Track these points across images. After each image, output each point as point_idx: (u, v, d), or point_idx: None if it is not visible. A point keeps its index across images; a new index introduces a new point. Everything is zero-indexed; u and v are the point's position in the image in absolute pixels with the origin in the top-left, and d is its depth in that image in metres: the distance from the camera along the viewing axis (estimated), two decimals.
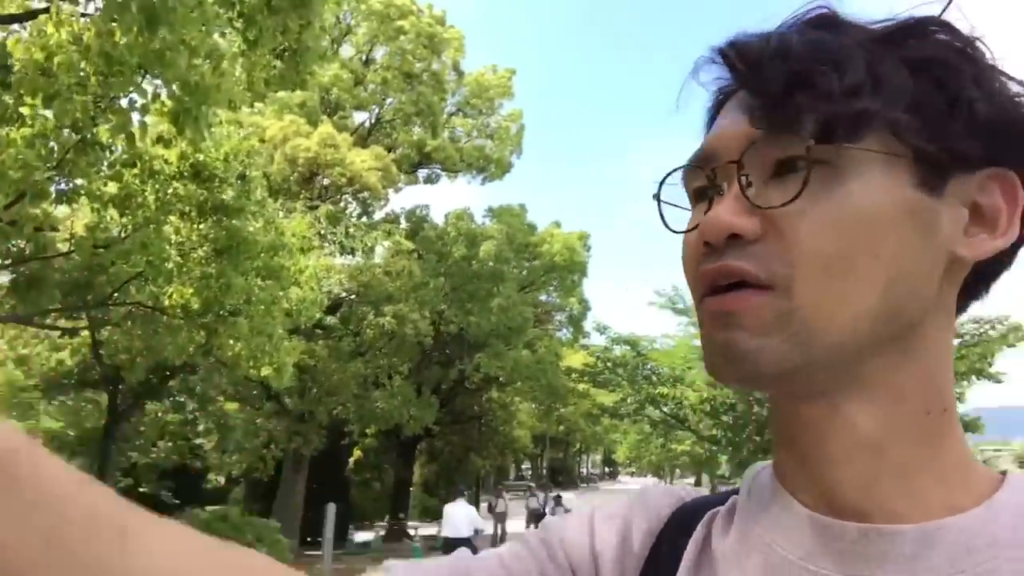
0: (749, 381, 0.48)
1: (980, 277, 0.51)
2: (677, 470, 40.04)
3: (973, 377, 12.80)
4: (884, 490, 0.47)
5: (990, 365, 12.53)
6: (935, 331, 0.48)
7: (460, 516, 12.44)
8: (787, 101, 0.46)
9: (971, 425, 12.89)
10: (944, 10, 0.53)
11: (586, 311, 21.91)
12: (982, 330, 12.63)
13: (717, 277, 0.47)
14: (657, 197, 0.53)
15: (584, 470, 75.42)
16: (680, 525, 0.57)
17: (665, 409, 15.15)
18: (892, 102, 0.46)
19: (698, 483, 29.47)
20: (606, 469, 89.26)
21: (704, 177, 0.50)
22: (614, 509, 0.60)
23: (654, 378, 14.34)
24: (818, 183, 0.45)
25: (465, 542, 12.69)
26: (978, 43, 0.49)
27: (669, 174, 0.53)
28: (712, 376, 0.49)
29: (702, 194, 0.51)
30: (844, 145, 0.45)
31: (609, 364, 15.64)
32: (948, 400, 0.49)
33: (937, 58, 0.48)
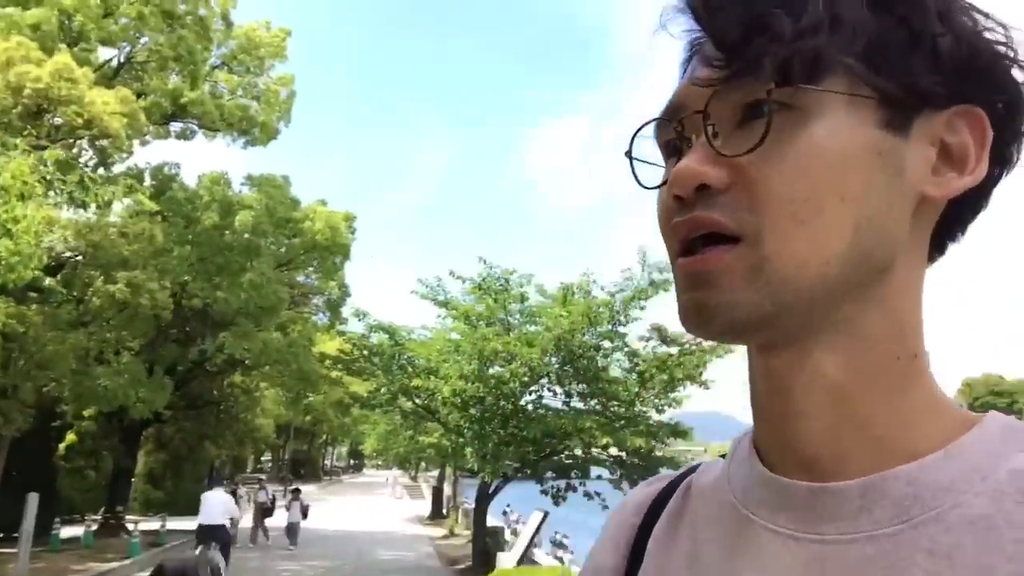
0: (725, 334, 0.47)
1: (955, 217, 0.51)
2: (423, 463, 40.57)
3: (687, 383, 14.46)
4: (845, 443, 0.47)
5: (702, 373, 14.23)
6: (905, 273, 0.48)
7: (216, 504, 12.38)
8: (745, 46, 0.45)
9: (681, 433, 14.48)
10: None
11: (346, 296, 21.24)
12: (696, 340, 14.31)
13: (688, 230, 0.47)
14: (629, 154, 0.52)
15: (328, 462, 74.00)
16: (662, 503, 0.60)
17: (418, 400, 15.24)
18: (852, 41, 0.45)
19: (442, 476, 30.11)
20: (352, 462, 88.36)
21: (673, 130, 0.50)
22: (608, 522, 0.64)
23: (410, 369, 14.37)
24: (782, 128, 0.45)
25: (220, 529, 12.36)
26: None
27: (640, 128, 0.52)
28: (688, 332, 0.49)
29: (672, 148, 0.51)
30: (803, 87, 0.44)
31: (365, 352, 15.41)
32: (918, 345, 0.49)
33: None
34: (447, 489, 30.26)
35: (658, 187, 0.51)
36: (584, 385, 14.44)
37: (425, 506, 32.77)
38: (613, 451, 15.16)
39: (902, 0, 0.47)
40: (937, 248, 0.52)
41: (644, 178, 0.52)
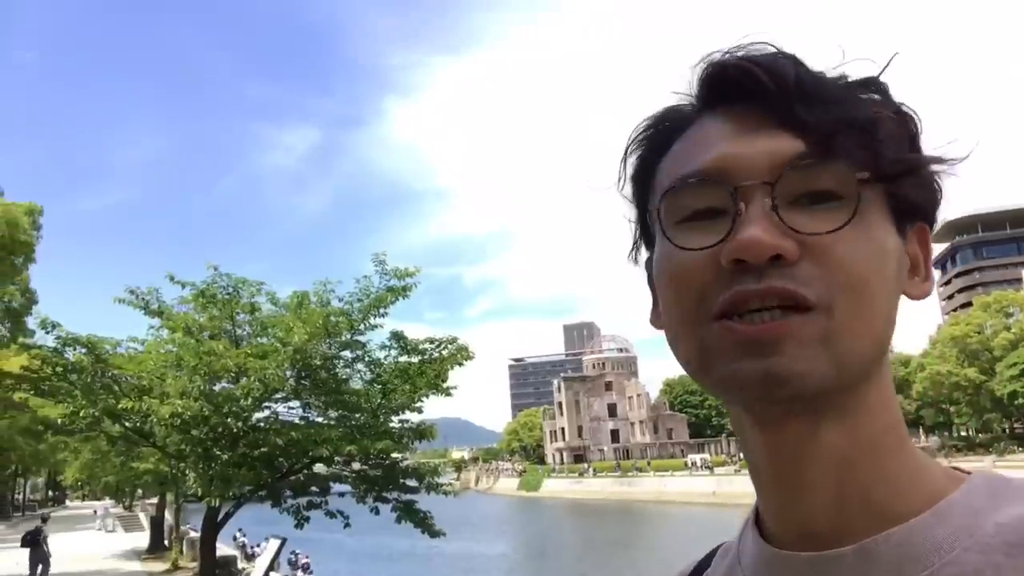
0: (784, 403, 0.49)
1: None
2: (139, 490, 36.26)
3: (430, 392, 14.36)
4: (846, 512, 0.50)
5: (444, 381, 14.24)
6: (888, 359, 0.54)
7: None
8: (827, 141, 0.49)
9: (426, 433, 14.35)
10: (886, 67, 0.55)
11: (32, 303, 18.05)
12: (438, 349, 14.31)
13: (760, 299, 0.48)
14: (658, 211, 0.53)
15: (21, 496, 64.09)
16: (701, 570, 0.65)
17: (128, 424, 13.35)
18: (896, 154, 0.52)
19: (161, 503, 27.11)
20: (51, 493, 77.51)
21: (717, 195, 0.51)
22: None
23: (116, 388, 12.50)
24: (842, 215, 0.49)
25: None
26: (906, 111, 0.54)
27: (673, 187, 0.53)
28: (737, 398, 0.51)
29: (706, 212, 0.52)
30: (874, 187, 0.50)
31: (59, 369, 13.11)
32: (899, 415, 0.53)
33: (911, 116, 0.54)
34: (168, 518, 27.35)
35: (700, 249, 0.50)
36: (324, 398, 13.70)
37: (144, 538, 29.24)
38: (356, 466, 14.60)
39: (910, 123, 0.54)
40: None
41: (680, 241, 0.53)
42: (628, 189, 0.62)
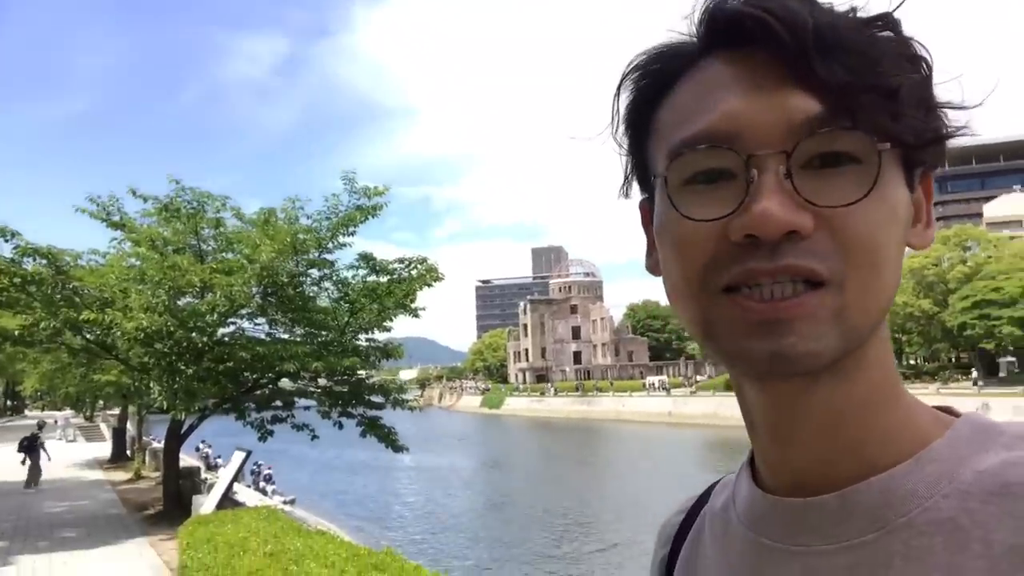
0: (799, 376, 0.49)
1: None
2: (100, 401, 36.22)
3: (398, 311, 14.40)
4: (834, 463, 0.51)
5: (412, 301, 14.26)
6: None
7: None
8: (858, 101, 0.46)
9: (393, 352, 14.48)
10: (896, 8, 0.50)
11: None
12: (407, 269, 14.28)
13: (774, 276, 0.47)
14: (664, 178, 0.51)
15: None
16: (686, 529, 0.67)
17: (90, 336, 13.21)
18: (915, 110, 0.48)
19: (123, 414, 27.17)
20: (9, 403, 77.04)
21: (727, 158, 0.48)
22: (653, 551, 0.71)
23: (78, 300, 12.30)
24: (859, 181, 0.47)
25: None
26: (920, 52, 0.50)
27: (680, 153, 0.50)
28: (752, 372, 0.51)
29: (718, 174, 0.49)
30: (892, 148, 0.47)
31: (17, 280, 12.81)
32: (893, 366, 0.53)
33: (925, 59, 0.49)
34: (130, 429, 27.47)
35: (712, 219, 0.48)
36: (291, 315, 13.66)
37: (105, 448, 29.41)
38: (322, 382, 14.73)
39: (924, 63, 0.49)
40: None
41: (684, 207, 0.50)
42: (620, 130, 0.58)
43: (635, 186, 0.61)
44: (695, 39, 0.53)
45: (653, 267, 0.59)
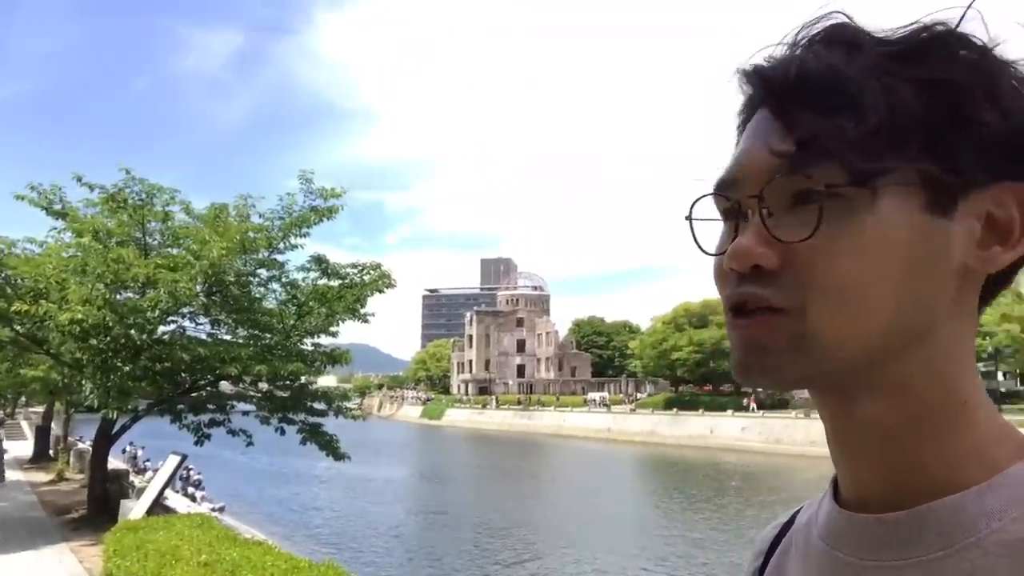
0: (776, 386, 0.55)
1: (1000, 279, 0.54)
2: (23, 398, 34.56)
3: (347, 317, 14.13)
4: (897, 481, 0.53)
5: (363, 307, 14.02)
6: (948, 333, 0.52)
7: None
8: (809, 148, 0.50)
9: (340, 358, 14.19)
10: (962, 18, 0.51)
11: None
12: (360, 274, 14.05)
13: (742, 301, 0.53)
14: (689, 218, 0.57)
15: None
16: (777, 543, 0.69)
17: (19, 328, 12.59)
18: (907, 141, 0.49)
19: (49, 412, 25.99)
20: None
21: (731, 204, 0.55)
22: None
23: (9, 290, 11.71)
24: (833, 216, 0.49)
25: None
26: (994, 52, 0.51)
27: (698, 199, 0.57)
28: (743, 383, 0.56)
29: (729, 215, 0.56)
30: (859, 189, 0.49)
31: None
32: (966, 393, 0.53)
33: (949, 80, 0.50)
34: (55, 428, 26.27)
35: (717, 254, 0.56)
36: (235, 315, 13.27)
37: (26, 447, 28.04)
38: (264, 386, 14.34)
39: (951, 86, 0.50)
40: (987, 298, 0.55)
41: (704, 243, 0.57)
42: None
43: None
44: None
45: None
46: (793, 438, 42.96)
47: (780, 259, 0.51)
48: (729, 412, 52.00)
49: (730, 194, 0.55)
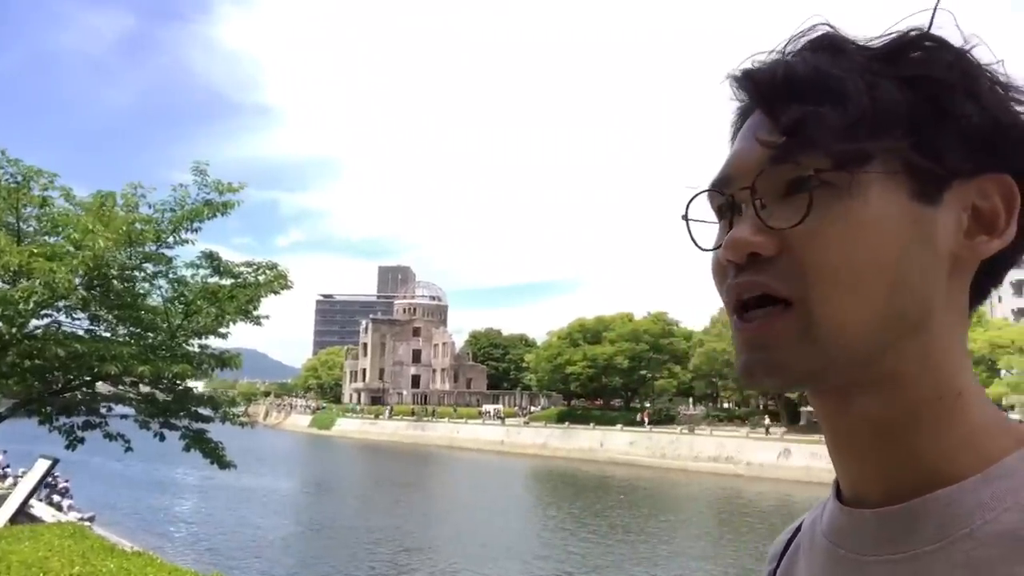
0: (783, 386, 0.55)
1: (990, 271, 0.56)
2: None
3: (239, 318, 13.52)
4: (894, 475, 0.54)
5: (256, 308, 13.44)
6: (942, 324, 0.54)
7: None
8: (796, 136, 0.52)
9: (230, 361, 13.55)
10: (931, 21, 0.55)
11: None
12: (254, 274, 13.50)
13: (741, 291, 0.54)
14: (685, 217, 0.58)
15: None
16: (790, 545, 0.70)
17: None
18: (889, 128, 0.51)
19: None
20: None
21: (725, 199, 0.57)
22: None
23: None
24: (823, 203, 0.51)
25: None
26: (971, 54, 0.53)
27: (694, 197, 0.58)
28: (748, 385, 0.56)
29: (724, 212, 0.58)
30: (845, 173, 0.51)
31: None
32: (961, 384, 0.54)
33: (929, 76, 0.53)
34: None
35: (714, 249, 0.58)
36: (117, 312, 12.46)
37: None
38: (144, 389, 13.51)
39: (931, 82, 0.52)
40: (979, 295, 0.57)
41: (699, 239, 0.59)
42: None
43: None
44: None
45: None
46: (677, 453, 44.77)
47: (775, 246, 0.52)
48: (619, 427, 53.41)
49: (724, 190, 0.57)
